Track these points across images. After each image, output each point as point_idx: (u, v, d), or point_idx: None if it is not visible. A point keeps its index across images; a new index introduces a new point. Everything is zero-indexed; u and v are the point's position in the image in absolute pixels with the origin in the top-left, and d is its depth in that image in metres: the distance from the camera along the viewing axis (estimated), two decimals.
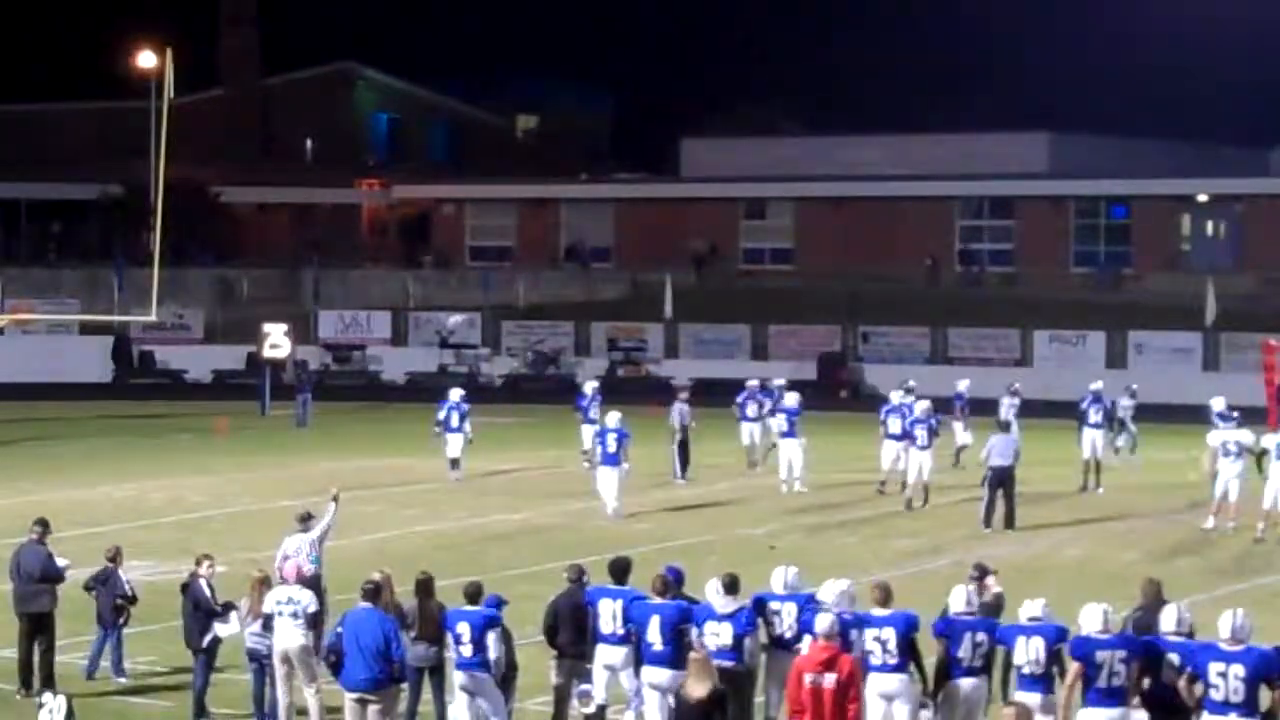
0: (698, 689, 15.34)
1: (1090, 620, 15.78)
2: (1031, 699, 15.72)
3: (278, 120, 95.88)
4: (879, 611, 16.64)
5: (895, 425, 35.63)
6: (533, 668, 18.74)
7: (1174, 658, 15.49)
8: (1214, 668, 15.05)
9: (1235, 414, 34.73)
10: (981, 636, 16.46)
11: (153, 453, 43.70)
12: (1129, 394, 42.27)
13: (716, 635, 17.08)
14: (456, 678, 17.60)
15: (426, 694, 18.31)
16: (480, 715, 17.54)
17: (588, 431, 37.96)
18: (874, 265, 75.70)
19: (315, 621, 18.70)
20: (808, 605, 17.18)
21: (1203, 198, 79.06)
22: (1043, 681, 16.07)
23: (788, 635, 17.26)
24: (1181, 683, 15.29)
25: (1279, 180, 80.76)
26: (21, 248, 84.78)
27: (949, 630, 16.51)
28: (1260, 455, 30.96)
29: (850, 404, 56.08)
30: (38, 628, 20.32)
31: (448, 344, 65.48)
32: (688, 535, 30.92)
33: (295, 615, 18.37)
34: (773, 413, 38.39)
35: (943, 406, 38.70)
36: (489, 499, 35.57)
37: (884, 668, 16.44)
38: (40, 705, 15.92)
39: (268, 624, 18.56)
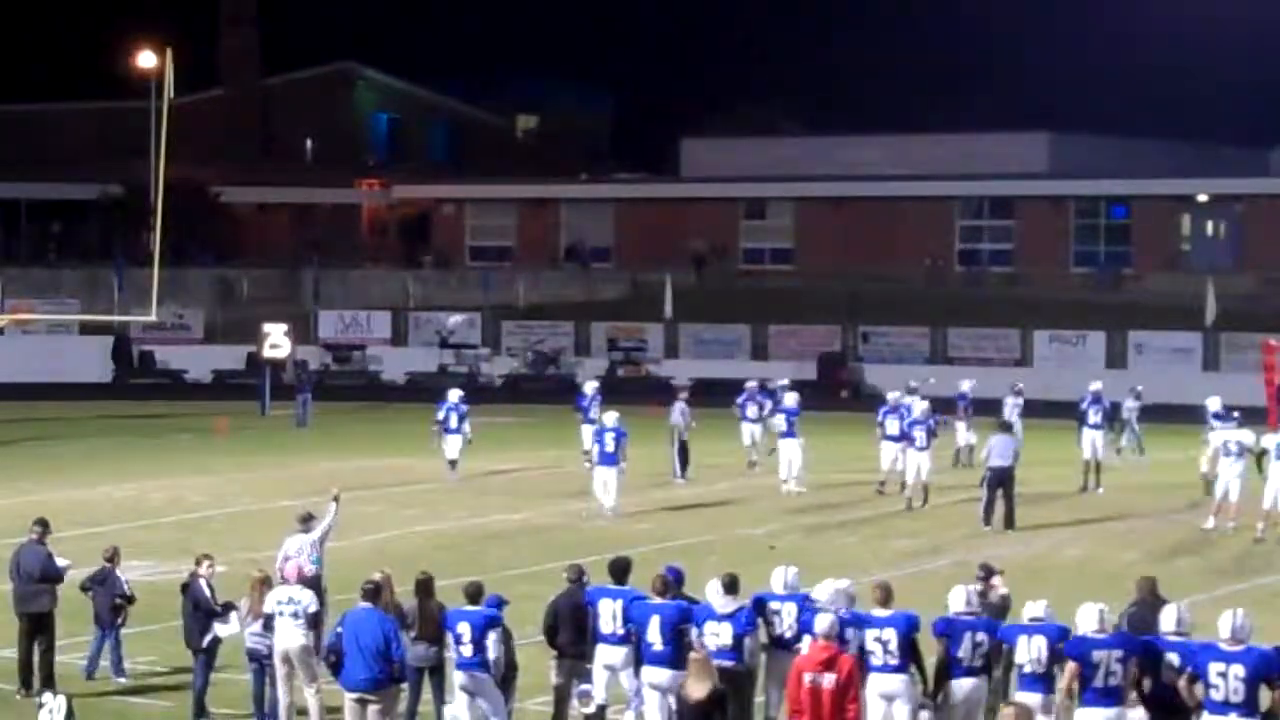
0: (698, 689, 15.34)
1: (1086, 620, 15.79)
2: (1032, 699, 15.71)
3: (278, 120, 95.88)
4: (880, 612, 16.63)
5: (893, 426, 35.64)
6: (533, 668, 18.74)
7: (1174, 658, 15.49)
8: (1214, 668, 15.05)
9: (1235, 414, 34.75)
10: (981, 636, 16.45)
11: (153, 453, 43.69)
12: (1134, 395, 42.22)
13: (716, 635, 17.07)
14: (456, 678, 17.60)
15: (426, 694, 18.31)
16: (480, 715, 17.55)
17: (588, 431, 37.91)
18: (874, 265, 75.71)
19: (316, 622, 18.69)
20: (807, 605, 17.19)
21: (1203, 198, 79.05)
22: (1043, 681, 16.06)
23: (787, 635, 17.25)
24: (1182, 683, 15.29)
25: (1279, 180, 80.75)
26: (21, 248, 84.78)
27: (949, 630, 16.51)
28: (1260, 455, 30.97)
29: (850, 404, 56.07)
30: (38, 628, 20.31)
31: (448, 344, 65.45)
32: (688, 535, 30.91)
33: (296, 615, 18.38)
34: (773, 413, 38.40)
35: (943, 406, 38.74)
36: (489, 499, 35.57)
37: (885, 668, 16.43)
38: (40, 705, 15.94)
39: (268, 624, 18.56)
